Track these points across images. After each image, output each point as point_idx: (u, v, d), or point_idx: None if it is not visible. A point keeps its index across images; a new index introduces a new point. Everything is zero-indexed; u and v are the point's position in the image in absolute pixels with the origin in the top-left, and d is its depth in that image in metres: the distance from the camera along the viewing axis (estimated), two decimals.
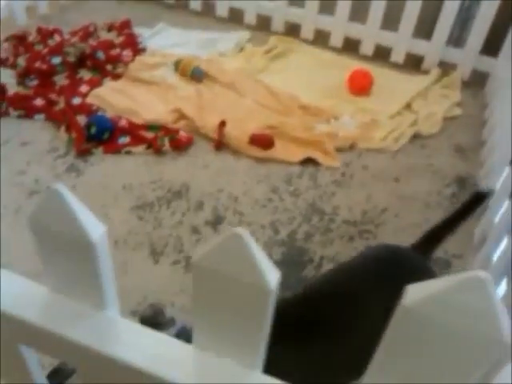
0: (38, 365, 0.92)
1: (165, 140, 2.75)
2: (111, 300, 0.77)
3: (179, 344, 0.74)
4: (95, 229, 0.70)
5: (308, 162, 2.77)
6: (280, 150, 2.83)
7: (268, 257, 0.63)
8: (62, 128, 2.78)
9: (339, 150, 2.87)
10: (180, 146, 2.75)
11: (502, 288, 1.85)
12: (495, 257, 2.04)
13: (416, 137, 3.01)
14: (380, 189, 2.65)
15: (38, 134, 2.78)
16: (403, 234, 2.39)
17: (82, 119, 2.82)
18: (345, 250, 2.29)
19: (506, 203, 2.11)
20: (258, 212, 2.46)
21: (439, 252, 2.31)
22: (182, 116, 2.96)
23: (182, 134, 2.82)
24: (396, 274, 1.36)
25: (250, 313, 0.64)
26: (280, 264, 2.17)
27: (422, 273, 1.41)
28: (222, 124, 2.85)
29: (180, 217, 2.37)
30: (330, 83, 3.39)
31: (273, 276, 0.61)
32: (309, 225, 2.40)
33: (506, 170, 2.31)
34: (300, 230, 2.37)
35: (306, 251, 2.27)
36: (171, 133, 2.80)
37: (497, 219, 2.18)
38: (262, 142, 2.82)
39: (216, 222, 2.37)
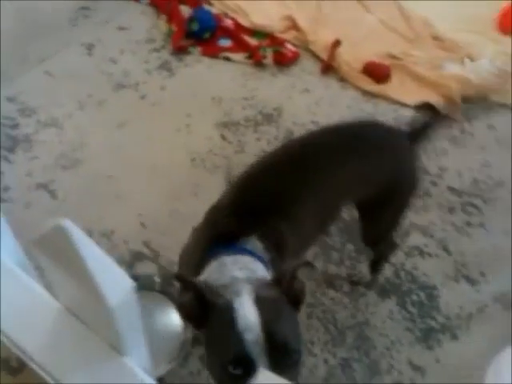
0: None
1: (268, 51, 2.47)
2: (135, 350, 0.60)
3: None
4: (116, 289, 0.51)
5: (424, 107, 2.38)
6: (395, 86, 2.45)
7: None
8: (164, 18, 2.57)
9: (465, 99, 2.42)
10: (283, 61, 2.46)
11: None
12: None
13: None
14: (502, 157, 2.23)
15: (138, 20, 2.59)
16: None
17: (185, 11, 2.58)
18: (440, 222, 1.98)
19: None
20: None
21: None
22: (293, 25, 2.62)
23: (289, 47, 2.51)
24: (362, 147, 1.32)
25: None
26: None
27: (394, 155, 1.38)
28: (336, 44, 2.48)
29: (265, 145, 2.15)
30: (476, 14, 2.81)
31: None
32: None
33: None
34: None
35: None
36: (277, 44, 2.50)
37: None
38: (377, 72, 2.45)
39: None
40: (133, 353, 0.59)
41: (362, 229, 1.55)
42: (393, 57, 2.55)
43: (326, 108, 2.33)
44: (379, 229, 1.55)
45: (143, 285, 1.65)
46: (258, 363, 0.82)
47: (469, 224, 1.99)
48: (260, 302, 0.89)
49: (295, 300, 0.97)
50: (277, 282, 0.96)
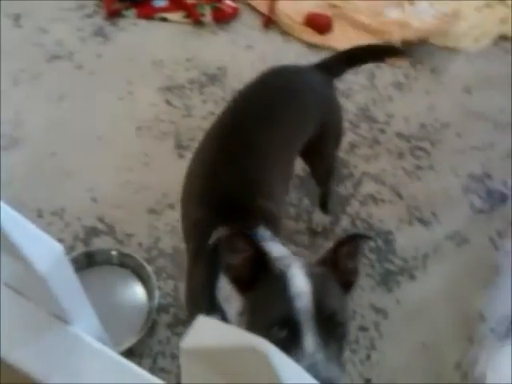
0: None
1: (206, 8, 2.39)
2: (81, 317, 0.58)
3: None
4: (45, 255, 0.48)
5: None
6: (338, 36, 2.43)
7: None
8: None
9: (407, 44, 2.43)
10: (223, 18, 2.39)
11: None
12: None
13: (502, 38, 2.52)
14: (446, 99, 2.28)
15: None
16: (462, 157, 2.08)
17: None
18: (391, 169, 2.02)
19: None
20: None
21: (498, 183, 2.04)
22: None
23: (228, 2, 2.44)
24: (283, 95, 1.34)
25: None
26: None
27: (317, 94, 1.40)
28: None
29: (212, 106, 2.10)
30: None
31: None
32: (355, 133, 2.11)
33: None
34: (344, 138, 2.08)
35: (346, 164, 2.02)
36: (214, 0, 2.42)
37: None
38: (319, 24, 2.42)
39: None
40: (79, 320, 0.57)
41: (313, 172, 1.62)
42: (333, 6, 2.52)
43: (271, 64, 2.23)
44: (326, 165, 1.62)
45: (101, 260, 1.63)
46: (304, 328, 0.83)
47: (418, 167, 2.03)
48: (311, 275, 0.90)
49: (346, 281, 0.95)
50: (323, 262, 0.95)
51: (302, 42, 2.39)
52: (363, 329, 1.63)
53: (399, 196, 1.93)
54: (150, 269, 1.60)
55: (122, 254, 1.64)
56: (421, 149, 2.10)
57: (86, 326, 0.59)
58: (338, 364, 0.85)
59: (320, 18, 2.43)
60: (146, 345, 1.50)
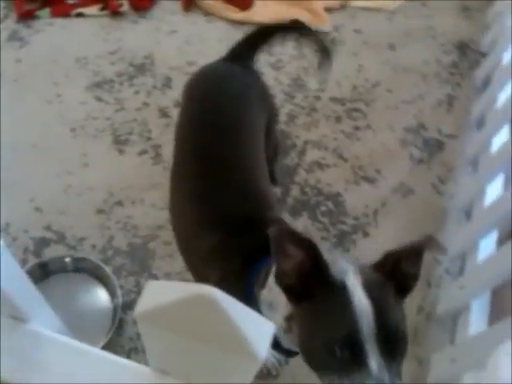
0: None
1: None
2: (34, 312, 0.56)
3: None
4: None
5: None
6: (260, 10, 2.43)
7: None
8: None
9: (329, 9, 2.48)
10: (141, 5, 2.33)
11: (499, 185, 1.69)
12: (494, 144, 1.83)
13: None
14: (373, 58, 2.33)
15: None
16: (396, 112, 2.16)
17: None
18: (331, 133, 2.06)
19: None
20: None
21: (433, 131, 2.12)
22: None
23: None
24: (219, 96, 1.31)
25: None
26: None
27: (243, 84, 1.36)
28: None
29: (145, 97, 2.06)
30: None
31: None
32: (292, 104, 2.13)
33: None
34: (282, 110, 2.11)
35: (288, 135, 2.04)
36: None
37: (499, 104, 1.93)
38: (239, 0, 2.41)
39: None
40: (36, 316, 0.55)
41: (266, 153, 1.60)
42: None
43: (198, 46, 2.27)
44: (272, 146, 1.61)
45: (55, 268, 1.58)
46: (368, 348, 0.77)
47: (357, 128, 2.08)
48: (369, 286, 0.82)
49: (402, 286, 0.87)
50: (379, 265, 0.87)
51: (225, 21, 2.37)
52: None
53: (343, 158, 1.97)
54: (108, 269, 1.57)
55: (76, 259, 1.60)
56: (356, 110, 2.15)
57: (43, 321, 0.57)
58: (400, 379, 0.79)
59: None
60: (117, 344, 1.48)
